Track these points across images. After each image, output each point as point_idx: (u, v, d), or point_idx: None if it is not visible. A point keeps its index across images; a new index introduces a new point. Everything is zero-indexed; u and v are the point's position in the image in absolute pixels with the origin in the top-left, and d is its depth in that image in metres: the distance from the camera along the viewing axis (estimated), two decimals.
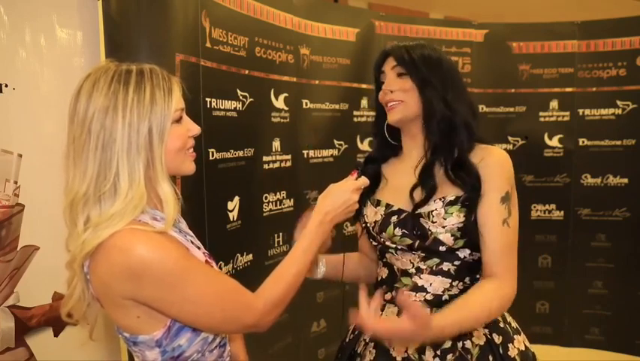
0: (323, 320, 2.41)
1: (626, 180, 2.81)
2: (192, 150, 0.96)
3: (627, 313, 2.82)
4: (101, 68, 0.87)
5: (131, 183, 0.83)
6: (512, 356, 1.16)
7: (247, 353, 1.19)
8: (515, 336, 1.20)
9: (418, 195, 1.15)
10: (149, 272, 0.81)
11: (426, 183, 1.15)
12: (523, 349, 1.20)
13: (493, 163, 1.13)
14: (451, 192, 1.13)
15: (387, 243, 1.19)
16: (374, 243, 1.24)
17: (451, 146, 1.14)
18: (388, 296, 1.21)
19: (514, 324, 1.23)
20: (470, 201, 1.11)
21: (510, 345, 1.17)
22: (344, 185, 1.09)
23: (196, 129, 0.95)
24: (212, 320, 0.89)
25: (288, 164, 2.17)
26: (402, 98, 1.16)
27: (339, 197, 1.07)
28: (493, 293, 1.08)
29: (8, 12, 1.28)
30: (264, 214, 2.05)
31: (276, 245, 2.13)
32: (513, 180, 1.14)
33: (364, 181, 1.13)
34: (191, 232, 1.03)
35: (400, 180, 1.21)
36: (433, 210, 1.13)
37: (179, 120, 0.91)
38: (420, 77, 1.15)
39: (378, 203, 1.22)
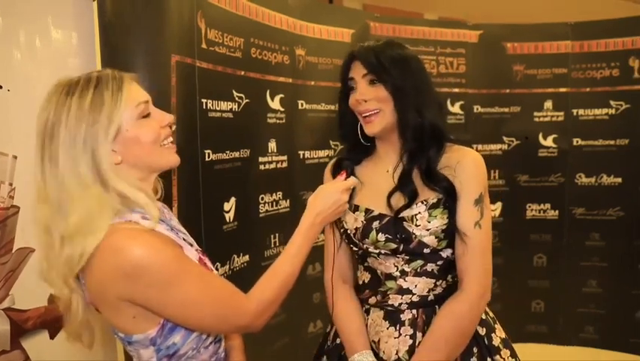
0: (319, 320, 2.41)
1: (619, 180, 2.83)
2: (171, 140, 0.94)
3: (621, 312, 2.84)
4: (57, 84, 0.89)
5: (82, 189, 0.83)
6: (496, 346, 1.20)
7: (245, 352, 1.19)
8: (495, 325, 1.24)
9: (396, 200, 1.15)
10: (141, 272, 0.82)
11: (406, 188, 1.14)
12: (504, 337, 1.24)
13: (468, 166, 1.13)
14: (431, 195, 1.14)
15: (370, 248, 1.18)
16: (355, 248, 1.22)
17: (426, 151, 1.14)
18: (373, 300, 1.21)
19: (491, 314, 1.26)
20: (450, 203, 1.13)
21: (493, 335, 1.21)
22: (333, 185, 1.10)
23: (166, 119, 0.94)
24: (205, 320, 0.90)
25: (284, 165, 2.17)
26: (378, 107, 1.14)
27: (329, 198, 1.07)
28: (464, 311, 1.12)
29: (3, 13, 1.27)
30: (261, 215, 2.05)
31: (272, 246, 2.13)
32: (486, 182, 1.15)
33: (354, 181, 1.14)
34: (183, 229, 1.04)
35: (377, 183, 1.20)
36: (416, 214, 1.13)
37: (146, 115, 0.91)
38: (394, 86, 1.12)
39: (356, 208, 1.20)
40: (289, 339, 2.26)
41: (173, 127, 0.97)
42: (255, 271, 1.97)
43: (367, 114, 1.15)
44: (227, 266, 1.84)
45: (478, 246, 1.12)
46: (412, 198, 1.13)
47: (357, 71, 1.16)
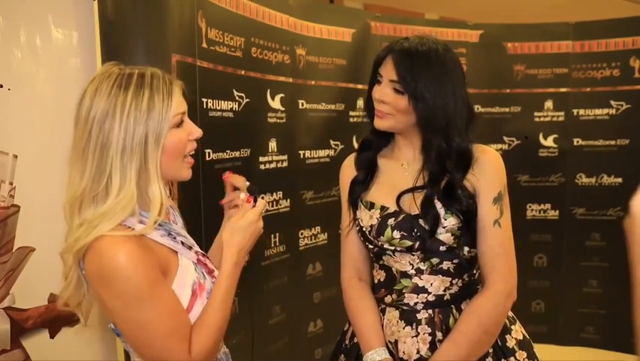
0: (320, 320, 2.42)
1: (620, 180, 2.83)
2: (191, 157, 0.97)
3: (622, 312, 2.79)
4: (105, 72, 0.90)
5: (122, 184, 0.87)
6: (510, 347, 1.18)
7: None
8: (512, 326, 1.22)
9: (408, 204, 1.14)
10: (113, 281, 0.84)
11: (428, 215, 1.12)
12: (521, 338, 1.22)
13: (487, 164, 1.13)
14: None
15: (386, 246, 1.17)
16: (370, 246, 1.21)
17: (449, 172, 1.13)
18: (388, 299, 1.20)
19: (510, 314, 1.24)
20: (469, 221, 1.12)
21: (507, 336, 1.20)
22: (247, 218, 1.04)
23: (197, 132, 0.97)
24: (147, 351, 0.89)
25: (284, 164, 2.17)
26: (392, 113, 1.13)
27: (246, 232, 1.03)
28: (489, 309, 1.11)
29: (3, 12, 1.27)
30: None
31: (272, 245, 2.13)
32: (505, 180, 1.15)
33: (264, 205, 1.08)
34: (184, 233, 1.03)
35: (392, 178, 1.20)
36: None
37: (179, 125, 0.93)
38: (420, 108, 1.09)
39: (371, 206, 1.19)
40: (289, 339, 2.26)
41: None
42: (255, 271, 1.97)
43: (380, 114, 1.14)
44: None
45: (500, 245, 1.12)
46: (434, 224, 1.11)
47: (388, 72, 1.12)
